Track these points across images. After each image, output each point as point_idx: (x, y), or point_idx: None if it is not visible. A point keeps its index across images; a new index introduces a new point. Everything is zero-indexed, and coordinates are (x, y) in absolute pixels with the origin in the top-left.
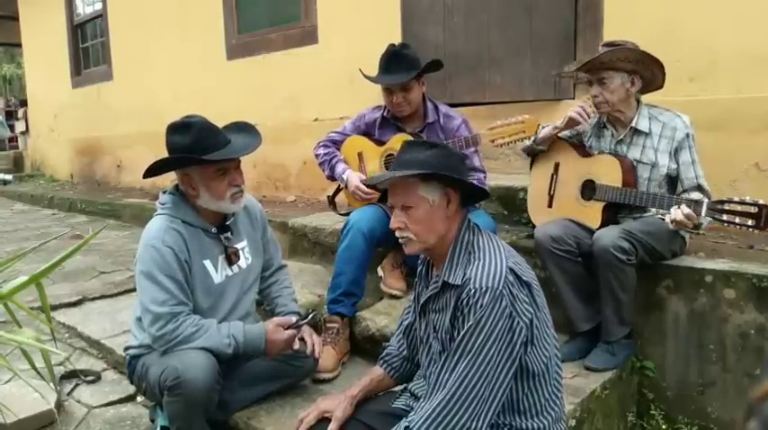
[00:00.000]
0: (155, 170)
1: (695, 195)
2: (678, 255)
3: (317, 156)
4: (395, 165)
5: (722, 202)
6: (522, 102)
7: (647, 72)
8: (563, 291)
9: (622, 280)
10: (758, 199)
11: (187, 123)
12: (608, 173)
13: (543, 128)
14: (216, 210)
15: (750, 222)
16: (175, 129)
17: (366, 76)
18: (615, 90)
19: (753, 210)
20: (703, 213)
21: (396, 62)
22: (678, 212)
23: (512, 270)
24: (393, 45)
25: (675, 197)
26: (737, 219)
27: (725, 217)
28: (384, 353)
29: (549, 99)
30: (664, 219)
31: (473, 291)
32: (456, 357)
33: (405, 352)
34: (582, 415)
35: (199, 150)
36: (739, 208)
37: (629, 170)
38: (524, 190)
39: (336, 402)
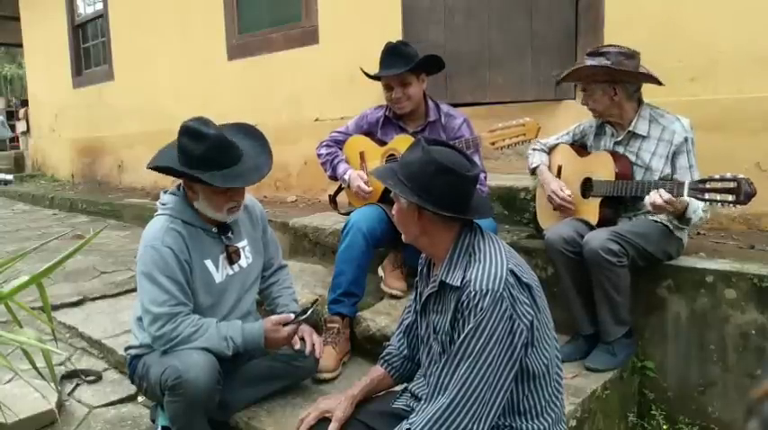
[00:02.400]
0: (161, 168)
1: (700, 204)
2: (674, 258)
3: (319, 155)
4: (396, 163)
5: (703, 181)
6: (522, 102)
7: (627, 80)
8: (569, 293)
9: (615, 281)
10: (738, 173)
11: (201, 134)
12: (603, 168)
13: (541, 164)
14: (210, 216)
15: (730, 198)
16: (189, 134)
17: (365, 73)
18: (598, 100)
19: (732, 185)
20: (685, 194)
21: (393, 57)
22: (656, 195)
23: (512, 272)
24: (391, 42)
25: (664, 182)
26: (718, 197)
27: (707, 195)
28: (384, 353)
29: (549, 99)
30: (657, 221)
31: (473, 293)
32: (456, 360)
33: (405, 351)
34: (583, 415)
35: (209, 163)
36: (719, 185)
37: (623, 164)
38: (525, 190)
39: (336, 402)
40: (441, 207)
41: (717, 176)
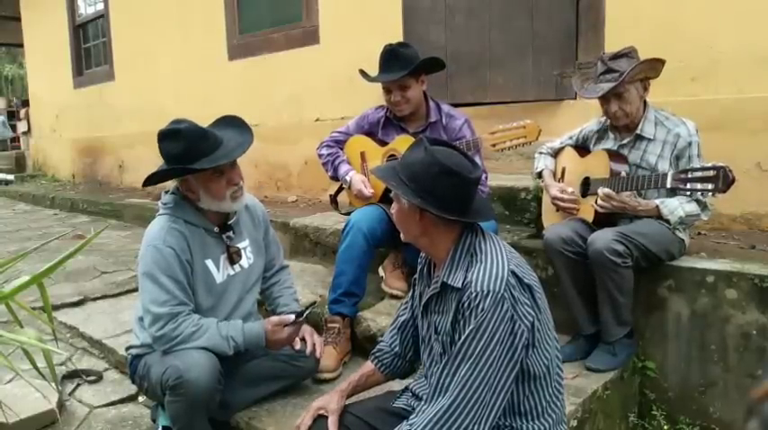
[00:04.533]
0: (154, 180)
1: (691, 206)
2: (676, 258)
3: (320, 156)
4: (398, 162)
5: (685, 172)
6: (523, 102)
7: (654, 72)
8: (569, 293)
9: (618, 282)
10: (718, 162)
11: (175, 130)
12: (599, 166)
13: (545, 168)
14: (217, 210)
15: (710, 186)
16: (165, 137)
17: (363, 76)
18: (633, 101)
19: (711, 173)
20: (668, 184)
21: (392, 60)
22: (601, 191)
23: (513, 273)
24: (390, 44)
25: (654, 176)
26: (699, 186)
27: (688, 185)
28: (376, 349)
29: (550, 99)
30: (659, 222)
31: (474, 294)
32: (457, 361)
33: (397, 348)
34: (583, 415)
35: (192, 156)
36: (700, 174)
37: (618, 161)
38: (526, 190)
39: (328, 399)
40: (444, 210)
41: (698, 166)
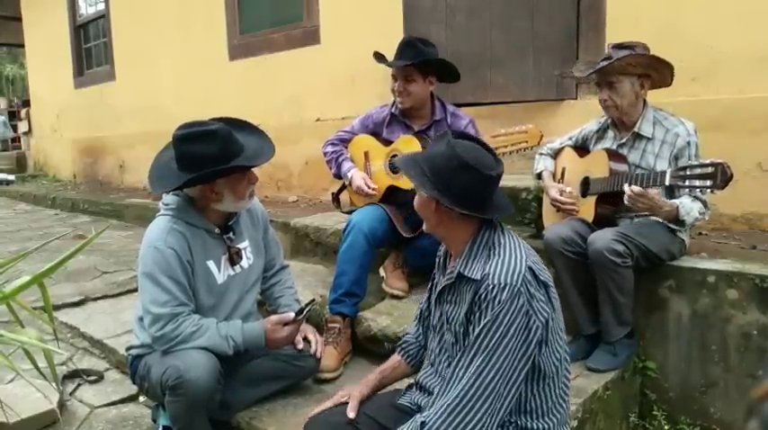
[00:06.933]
0: (192, 183)
1: (698, 205)
2: (677, 258)
3: (325, 153)
4: (421, 154)
5: (683, 169)
6: (524, 102)
7: (657, 74)
8: (570, 293)
9: (619, 282)
10: (716, 159)
11: (210, 131)
12: (599, 166)
13: (545, 170)
14: (234, 210)
15: (708, 183)
16: (196, 139)
17: (376, 58)
18: (625, 94)
19: (710, 170)
20: (667, 181)
21: (406, 49)
22: (627, 189)
23: (530, 268)
24: (411, 36)
25: (653, 173)
26: (698, 182)
27: (687, 182)
28: (402, 341)
29: (551, 99)
30: (660, 222)
31: (491, 286)
32: (472, 353)
33: (421, 338)
34: (584, 415)
35: (228, 156)
36: (699, 170)
37: (617, 160)
38: (527, 190)
39: (355, 387)
40: (458, 204)
41: (696, 163)
